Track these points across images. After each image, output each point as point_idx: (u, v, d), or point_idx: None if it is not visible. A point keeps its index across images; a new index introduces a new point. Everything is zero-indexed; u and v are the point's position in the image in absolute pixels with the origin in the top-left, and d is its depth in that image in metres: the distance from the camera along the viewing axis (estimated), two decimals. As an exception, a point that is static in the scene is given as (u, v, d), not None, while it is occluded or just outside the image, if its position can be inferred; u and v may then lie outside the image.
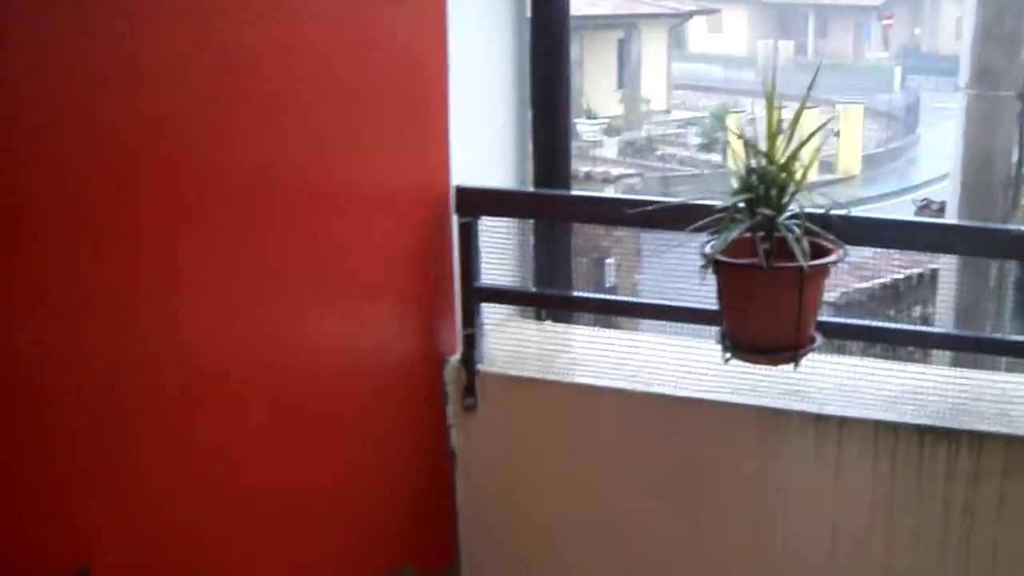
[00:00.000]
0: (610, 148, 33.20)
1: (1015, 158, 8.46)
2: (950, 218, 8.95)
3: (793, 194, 3.17)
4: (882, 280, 13.60)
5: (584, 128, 33.05)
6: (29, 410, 2.58)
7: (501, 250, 4.04)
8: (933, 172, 30.35)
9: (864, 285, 13.41)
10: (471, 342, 3.96)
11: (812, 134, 3.24)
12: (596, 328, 4.38)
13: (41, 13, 2.48)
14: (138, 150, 2.77)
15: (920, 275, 13.53)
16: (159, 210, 2.86)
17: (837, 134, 34.03)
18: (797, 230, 3.11)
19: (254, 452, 3.26)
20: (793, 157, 3.16)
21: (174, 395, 2.97)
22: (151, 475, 2.92)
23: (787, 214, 3.16)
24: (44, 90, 2.49)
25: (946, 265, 7.08)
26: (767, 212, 3.14)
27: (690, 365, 3.79)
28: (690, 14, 45.59)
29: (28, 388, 2.57)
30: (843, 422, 3.57)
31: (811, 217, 3.17)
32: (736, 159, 3.22)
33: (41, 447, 2.61)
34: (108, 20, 2.64)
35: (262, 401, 3.28)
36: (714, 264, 3.19)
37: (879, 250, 3.82)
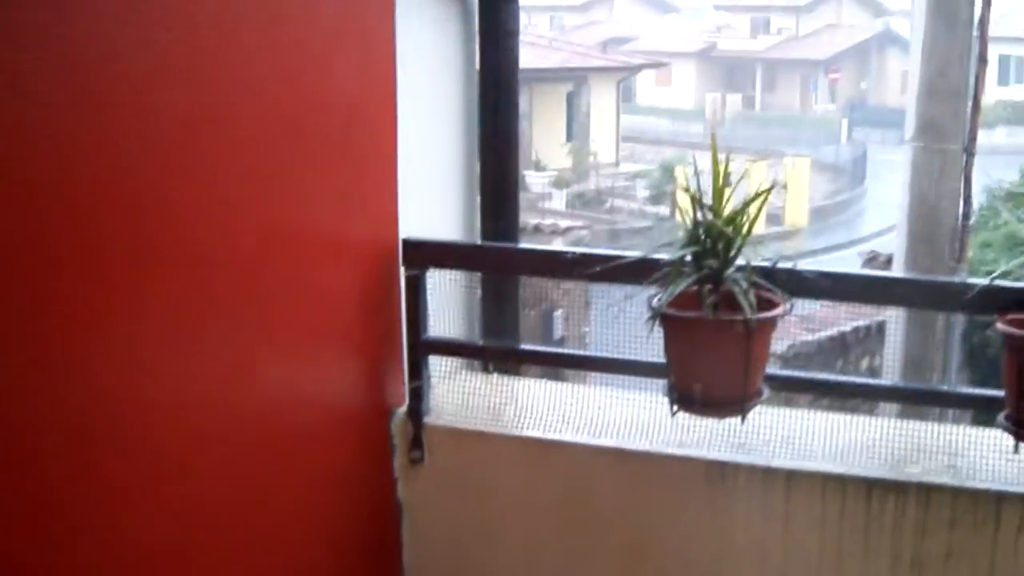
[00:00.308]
0: (559, 200, 33.43)
1: (960, 211, 8.52)
2: (897, 270, 9.01)
3: (740, 247, 3.18)
4: (830, 332, 13.68)
5: (533, 180, 33.26)
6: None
7: (448, 302, 4.04)
8: (880, 224, 30.68)
9: (811, 337, 13.48)
10: (418, 394, 3.95)
11: (759, 193, 3.25)
12: (544, 381, 4.38)
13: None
14: (93, 193, 2.74)
15: (867, 327, 13.62)
16: (112, 254, 2.82)
17: (784, 186, 34.34)
18: (744, 283, 3.12)
19: (199, 500, 3.21)
20: (740, 211, 3.18)
21: (115, 444, 2.92)
22: (94, 524, 2.88)
23: (734, 267, 3.18)
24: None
25: (893, 317, 7.13)
26: (714, 265, 3.16)
27: (638, 419, 3.79)
28: (639, 67, 46.02)
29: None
30: (790, 475, 3.57)
31: (758, 270, 3.19)
32: (683, 212, 3.24)
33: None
34: (72, 56, 2.62)
35: (208, 448, 3.23)
36: (661, 317, 3.20)
37: (826, 303, 3.83)
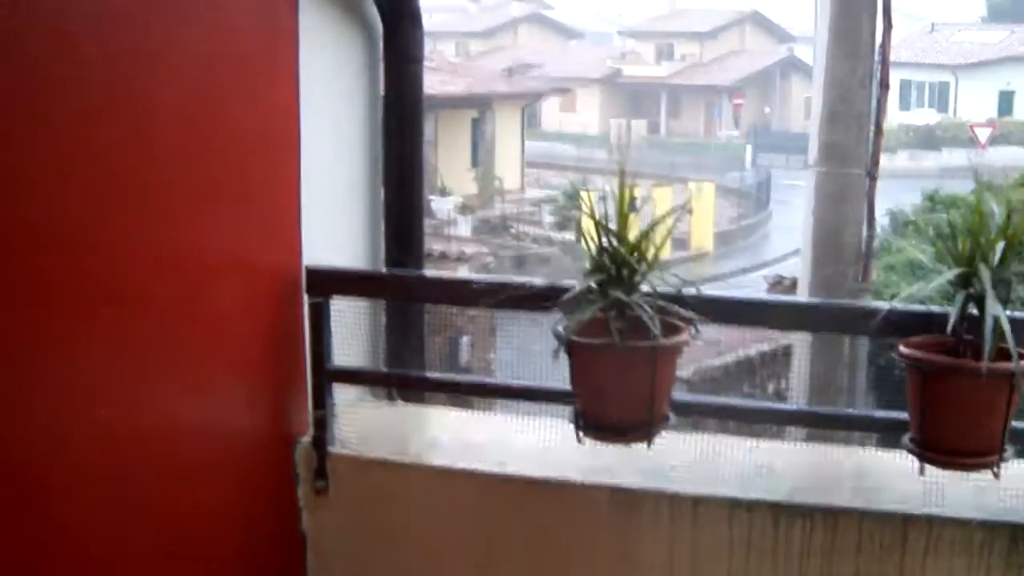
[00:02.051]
0: (464, 226, 33.44)
1: (864, 234, 8.61)
2: (802, 294, 9.08)
3: (645, 273, 3.19)
4: (736, 356, 13.78)
5: (438, 206, 33.27)
6: None
7: (353, 330, 4.02)
8: (785, 248, 30.97)
9: (718, 361, 13.58)
10: (322, 423, 3.92)
11: (663, 217, 3.27)
12: (449, 408, 4.37)
13: None
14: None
15: (774, 351, 13.73)
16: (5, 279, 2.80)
17: (690, 211, 34.58)
18: (650, 309, 3.13)
19: (102, 538, 3.18)
20: (644, 236, 3.19)
21: (14, 474, 2.89)
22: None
23: (639, 293, 3.18)
24: None
25: (799, 341, 7.18)
26: (619, 292, 3.16)
27: (544, 446, 3.79)
28: (543, 94, 46.20)
29: None
30: (697, 501, 3.58)
31: (664, 296, 3.20)
32: (588, 238, 3.24)
33: None
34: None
35: (106, 478, 3.19)
36: (567, 344, 3.20)
37: (732, 327, 3.85)
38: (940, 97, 61.96)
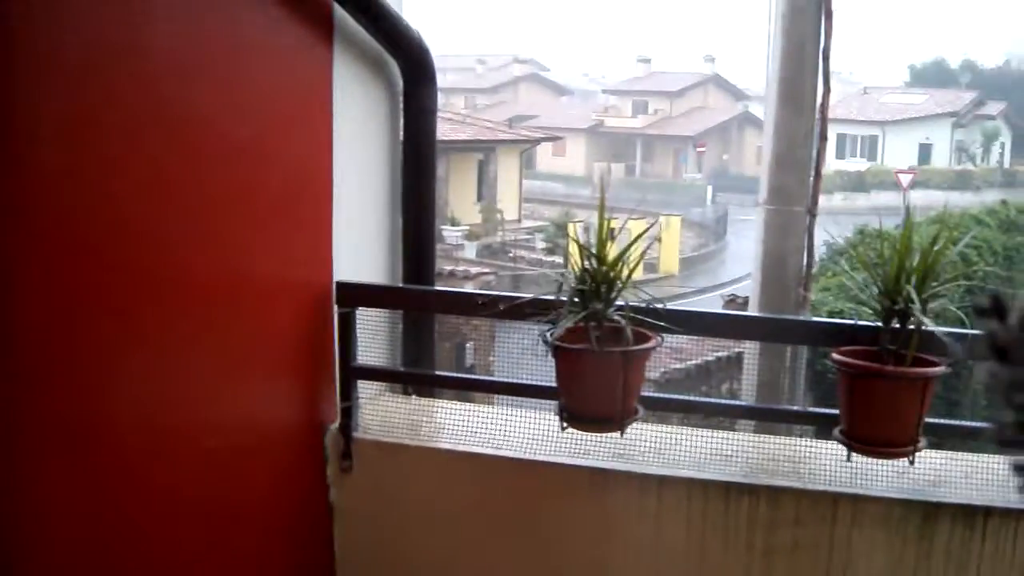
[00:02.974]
0: (470, 251, 33.46)
1: (804, 261, 8.61)
2: (752, 310, 9.07)
3: (620, 290, 3.21)
4: (696, 361, 13.77)
5: (448, 234, 33.30)
6: None
7: (375, 335, 4.02)
8: (738, 271, 30.96)
9: (681, 366, 13.57)
10: (348, 413, 3.92)
11: (634, 240, 3.29)
12: (455, 402, 4.36)
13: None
14: (61, 241, 2.72)
15: (728, 357, 13.72)
16: (81, 294, 2.81)
17: (659, 240, 34.59)
18: (623, 320, 3.14)
19: (157, 506, 3.18)
20: (619, 259, 3.20)
21: (88, 458, 2.90)
22: (75, 521, 2.85)
23: (615, 307, 3.20)
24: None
25: (749, 349, 7.17)
26: (598, 305, 3.17)
27: (533, 433, 3.79)
28: (538, 140, 46.23)
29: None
30: (662, 480, 3.59)
31: (635, 309, 3.21)
32: (573, 261, 3.26)
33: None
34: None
35: (166, 462, 3.21)
36: (553, 348, 3.21)
37: (693, 337, 3.86)
38: (870, 148, 62.04)
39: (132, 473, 3.06)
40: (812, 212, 8.37)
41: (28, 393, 2.66)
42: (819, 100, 8.15)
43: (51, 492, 2.77)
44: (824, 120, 8.30)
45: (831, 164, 46.52)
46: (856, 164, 57.95)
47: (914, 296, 3.02)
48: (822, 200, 8.58)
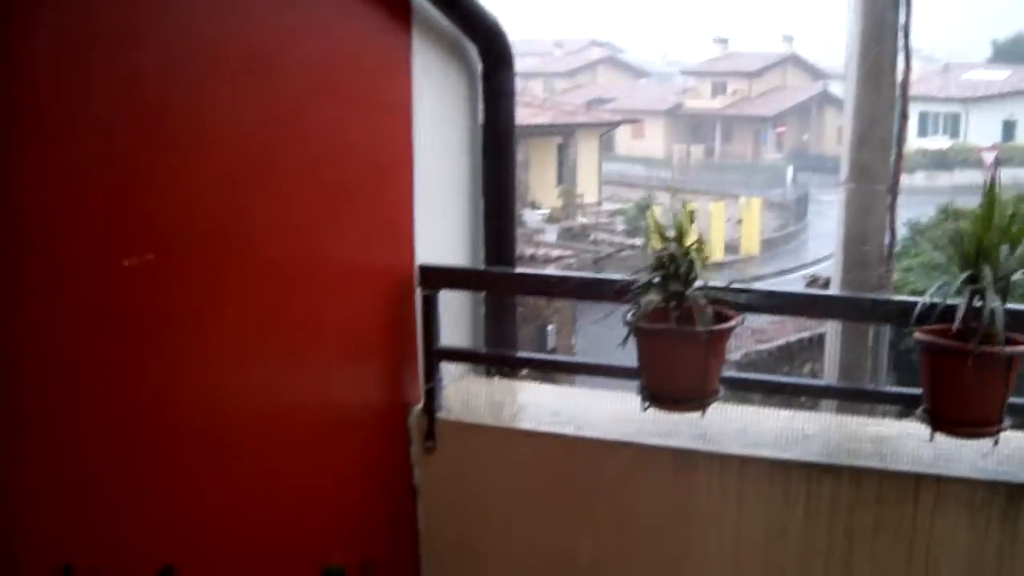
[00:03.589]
0: (550, 234, 33.41)
1: (886, 240, 8.53)
2: (833, 291, 9.01)
3: (700, 271, 3.20)
4: (778, 343, 13.69)
5: (529, 217, 33.28)
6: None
7: (457, 317, 4.05)
8: (820, 252, 30.66)
9: (763, 347, 13.49)
10: (431, 394, 3.96)
11: (714, 221, 3.27)
12: (537, 383, 4.38)
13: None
14: (159, 229, 2.78)
15: (809, 339, 13.62)
16: (177, 281, 2.88)
17: (740, 222, 34.34)
18: (703, 301, 3.14)
19: (251, 483, 3.26)
20: (700, 240, 3.20)
21: (184, 439, 2.97)
22: (169, 498, 2.92)
23: (695, 287, 3.19)
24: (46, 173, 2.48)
25: (830, 330, 7.12)
26: (678, 286, 3.17)
27: (615, 413, 3.80)
28: (617, 123, 46.10)
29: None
30: (743, 461, 3.58)
31: (716, 289, 3.21)
32: (653, 243, 3.25)
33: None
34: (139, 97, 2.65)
35: (258, 441, 3.28)
36: (635, 329, 3.22)
37: (774, 318, 3.84)
38: (952, 126, 61.05)
39: (224, 453, 3.12)
40: (894, 191, 8.28)
41: (120, 377, 2.72)
42: (900, 78, 8.06)
43: (150, 468, 2.84)
44: (905, 98, 8.21)
45: (912, 142, 45.86)
46: (938, 142, 57.08)
47: (988, 275, 2.98)
48: (903, 179, 8.49)
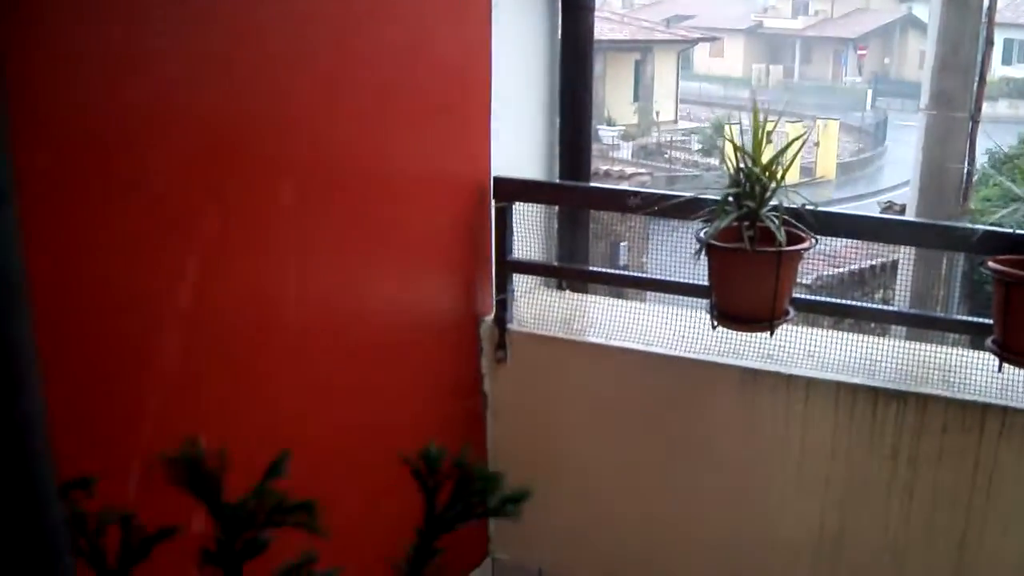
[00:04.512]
0: (625, 151, 33.26)
1: (965, 169, 8.44)
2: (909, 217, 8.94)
3: (774, 191, 3.20)
4: (850, 268, 13.57)
5: (604, 134, 33.12)
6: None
7: (530, 231, 4.07)
8: (897, 179, 30.23)
9: (835, 271, 13.38)
10: (503, 306, 3.99)
11: (790, 143, 3.25)
12: (608, 298, 4.40)
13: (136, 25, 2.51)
14: (240, 143, 2.82)
15: (883, 265, 13.49)
16: (270, 191, 2.94)
17: (817, 144, 33.91)
18: (776, 220, 3.14)
19: (335, 387, 3.34)
20: (774, 159, 3.19)
21: (276, 339, 3.05)
22: (255, 403, 3.00)
23: (768, 207, 3.19)
24: (146, 92, 2.52)
25: (905, 256, 7.07)
26: (751, 205, 3.17)
27: (684, 331, 3.82)
28: (696, 41, 45.55)
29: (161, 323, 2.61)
30: (810, 382, 3.59)
31: (789, 211, 3.20)
32: (729, 162, 3.25)
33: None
34: (207, 28, 2.68)
35: (342, 347, 3.36)
36: (706, 247, 3.22)
37: (848, 241, 3.82)
38: (1040, 54, 59.71)
39: (300, 361, 3.17)
40: (975, 119, 8.18)
41: (213, 289, 2.78)
42: (986, 2, 7.92)
43: (221, 379, 2.90)
44: (991, 23, 8.08)
45: (997, 70, 44.92)
46: (1024, 71, 55.89)
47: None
48: (986, 107, 8.38)
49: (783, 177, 3.20)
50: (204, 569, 1.20)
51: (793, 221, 3.20)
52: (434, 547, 1.27)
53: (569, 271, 4.38)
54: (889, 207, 15.27)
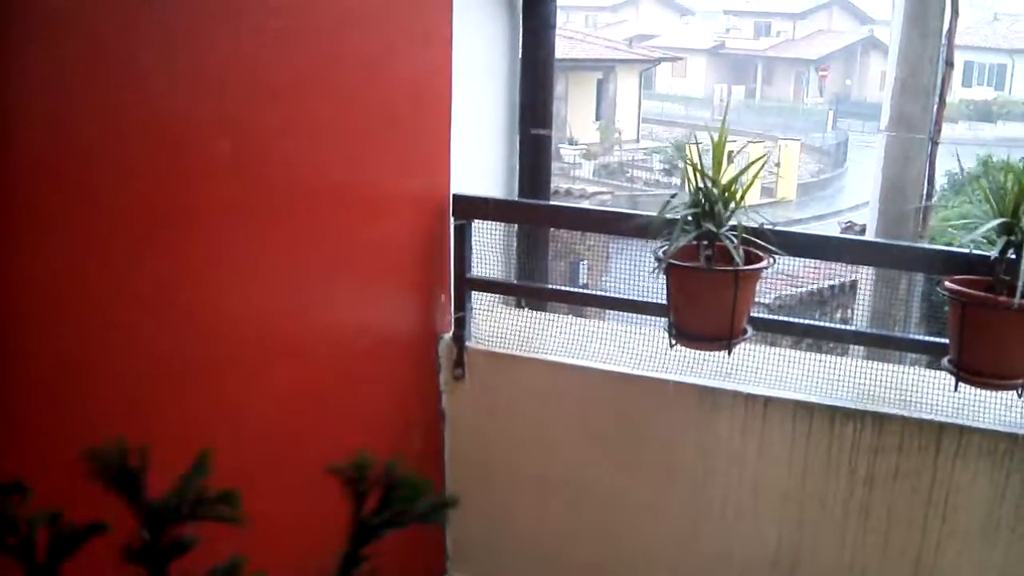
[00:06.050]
0: (587, 169, 33.31)
1: (924, 191, 8.50)
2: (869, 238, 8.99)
3: (733, 211, 3.22)
4: (810, 288, 13.65)
5: (566, 152, 33.15)
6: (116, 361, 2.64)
7: (490, 248, 4.07)
8: (857, 199, 30.42)
9: (794, 291, 13.46)
10: (462, 323, 4.00)
11: (750, 163, 3.28)
12: (566, 316, 4.41)
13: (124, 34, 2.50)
14: (201, 156, 2.81)
15: (842, 285, 13.57)
16: (220, 206, 2.92)
17: (777, 165, 34.08)
18: (735, 240, 3.16)
19: (291, 403, 3.34)
20: (733, 180, 3.21)
21: (224, 357, 3.03)
22: (208, 415, 2.98)
23: (727, 227, 3.21)
24: (122, 101, 2.51)
25: (864, 276, 7.10)
26: (710, 225, 3.19)
27: (642, 349, 3.83)
28: (658, 60, 45.63)
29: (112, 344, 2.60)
30: (768, 400, 3.61)
31: (748, 230, 3.22)
32: (689, 181, 3.27)
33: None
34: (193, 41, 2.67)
35: (298, 365, 3.34)
36: (665, 266, 3.24)
37: (808, 261, 3.84)
38: (998, 77, 60.18)
39: (254, 375, 3.16)
40: (934, 140, 8.24)
41: (167, 301, 2.77)
42: (947, 25, 8.00)
43: (174, 390, 2.88)
44: (951, 46, 8.15)
45: (957, 92, 45.36)
46: (983, 93, 56.34)
47: (1025, 225, 2.98)
48: (946, 129, 8.44)
49: (743, 197, 3.22)
50: (130, 567, 1.20)
51: (755, 240, 3.22)
52: (360, 554, 1.27)
53: (527, 289, 4.38)
54: (849, 227, 15.36)
